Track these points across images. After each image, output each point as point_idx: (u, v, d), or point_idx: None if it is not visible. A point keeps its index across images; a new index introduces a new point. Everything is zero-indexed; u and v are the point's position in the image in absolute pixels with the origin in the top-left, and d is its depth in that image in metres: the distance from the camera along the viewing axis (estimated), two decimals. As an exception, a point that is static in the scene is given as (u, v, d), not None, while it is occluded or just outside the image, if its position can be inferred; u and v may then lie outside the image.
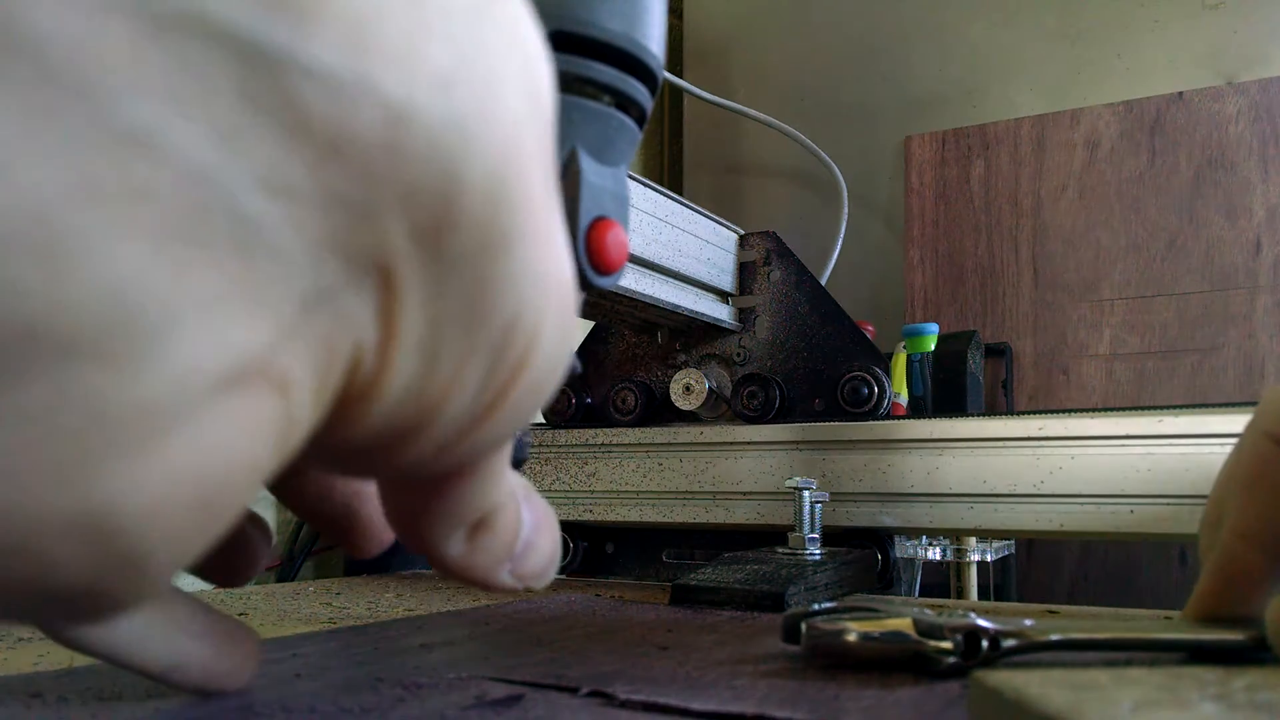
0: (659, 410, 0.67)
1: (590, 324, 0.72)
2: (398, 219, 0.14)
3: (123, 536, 0.12)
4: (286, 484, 0.25)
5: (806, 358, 0.64)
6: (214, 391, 0.13)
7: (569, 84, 0.23)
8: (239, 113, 0.12)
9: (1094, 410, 0.55)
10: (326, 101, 0.13)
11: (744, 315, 0.66)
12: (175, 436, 0.12)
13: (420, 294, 0.15)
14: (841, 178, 1.09)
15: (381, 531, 0.26)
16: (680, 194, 0.64)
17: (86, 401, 0.12)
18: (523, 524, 0.23)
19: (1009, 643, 0.30)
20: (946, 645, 0.30)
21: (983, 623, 0.30)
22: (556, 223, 0.17)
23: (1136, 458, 0.52)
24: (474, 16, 0.15)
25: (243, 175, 0.12)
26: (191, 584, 0.72)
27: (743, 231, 0.67)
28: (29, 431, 0.11)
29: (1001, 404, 1.08)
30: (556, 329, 0.17)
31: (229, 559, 0.25)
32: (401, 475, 0.19)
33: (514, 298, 0.16)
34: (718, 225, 0.64)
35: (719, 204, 1.21)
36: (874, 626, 0.31)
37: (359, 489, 0.25)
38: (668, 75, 0.89)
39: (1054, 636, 0.30)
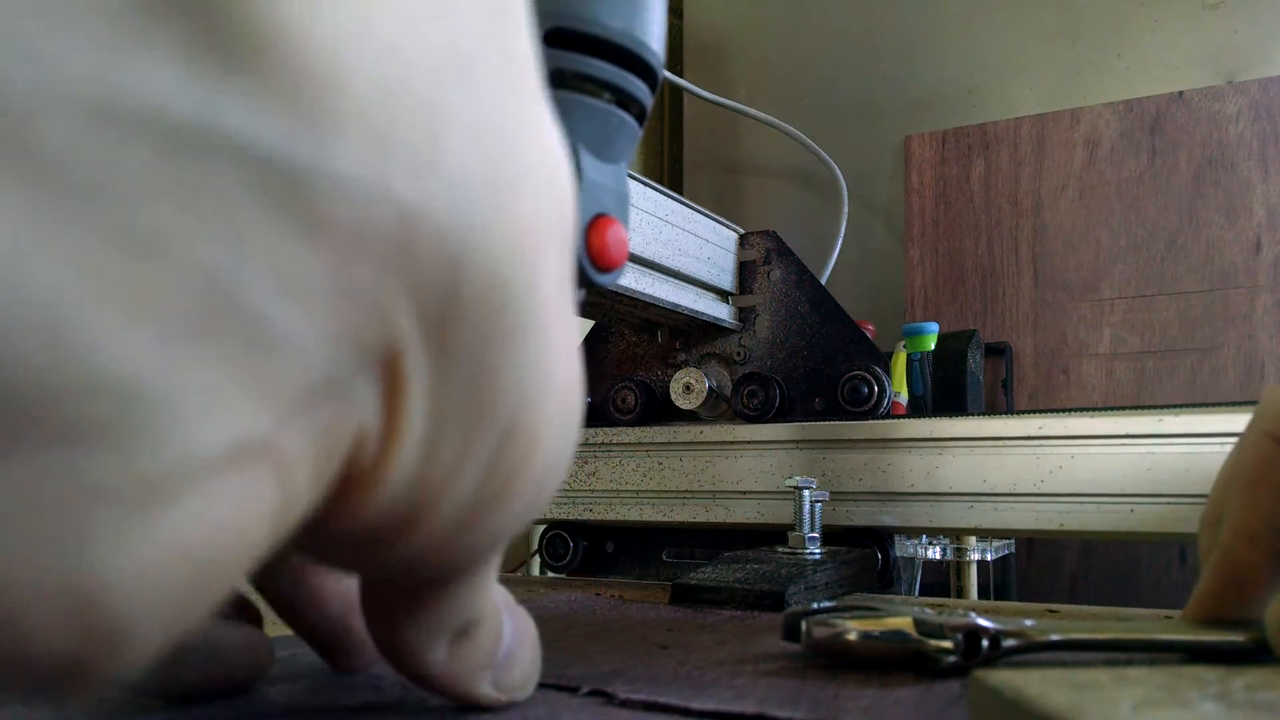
0: (659, 410, 0.67)
1: (590, 323, 0.72)
2: (407, 310, 0.14)
3: (107, 609, 0.12)
4: (278, 590, 0.25)
5: (806, 357, 0.64)
6: (212, 472, 0.13)
7: (569, 81, 0.23)
8: (257, 218, 0.13)
9: (1094, 410, 0.55)
10: (346, 207, 0.13)
11: (744, 315, 0.66)
12: (169, 514, 0.12)
13: (425, 385, 0.15)
14: (841, 177, 1.09)
15: (370, 648, 0.25)
16: (680, 193, 0.65)
17: (81, 478, 0.12)
18: (504, 634, 0.23)
19: (1009, 643, 0.30)
20: (947, 644, 0.30)
21: (983, 622, 0.30)
22: (568, 327, 0.17)
23: (1136, 457, 0.52)
24: (499, 126, 0.15)
25: (259, 275, 0.13)
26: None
27: (743, 231, 0.67)
28: (20, 503, 0.12)
29: (1001, 403, 1.08)
30: (559, 432, 0.17)
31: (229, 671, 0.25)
32: (393, 573, 0.18)
33: (516, 394, 0.16)
34: (718, 224, 0.64)
35: (719, 203, 1.21)
36: (874, 625, 0.31)
37: (353, 604, 0.25)
38: (667, 74, 0.89)
39: (1054, 637, 0.30)
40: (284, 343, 0.13)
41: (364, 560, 0.18)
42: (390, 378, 0.15)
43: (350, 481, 0.15)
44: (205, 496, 0.13)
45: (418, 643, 0.21)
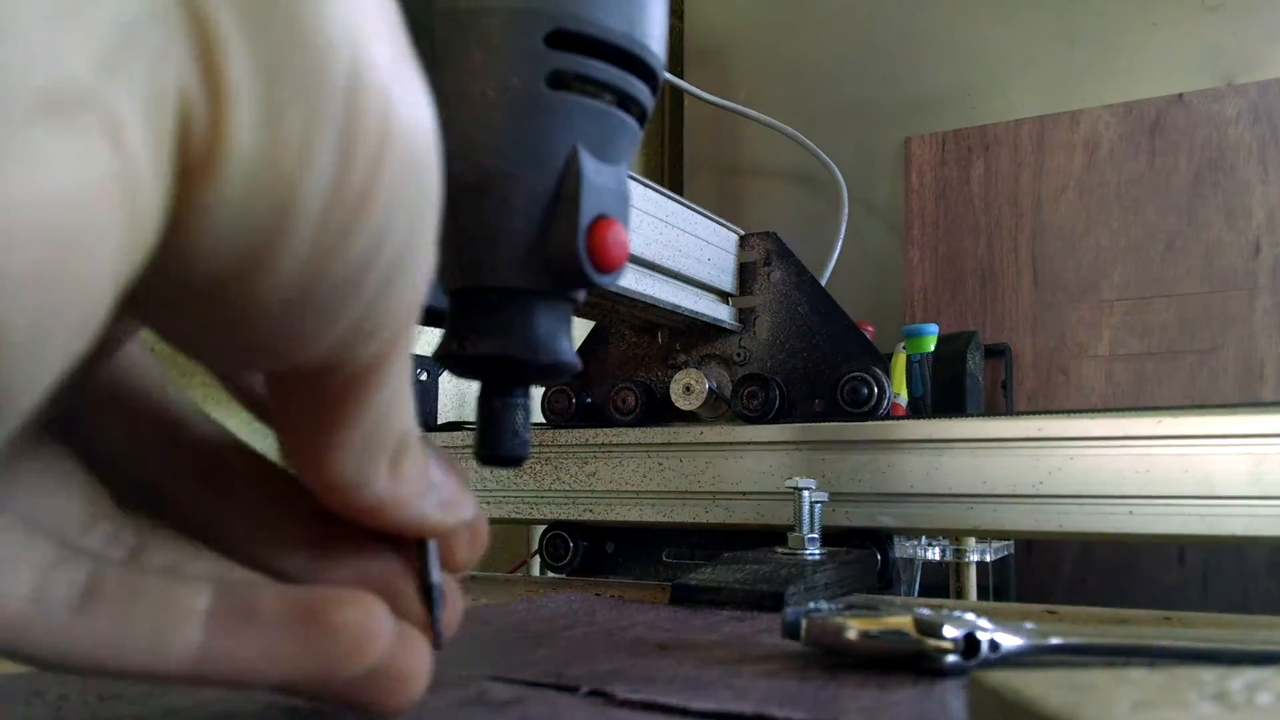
0: (659, 410, 0.67)
1: (591, 324, 0.72)
2: None
3: None
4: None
5: (806, 358, 0.64)
6: (38, 117, 0.12)
7: (569, 82, 0.23)
8: None
9: (1093, 411, 0.55)
10: None
11: (744, 315, 0.66)
12: (4, 165, 0.12)
13: (239, 37, 0.14)
14: (841, 178, 1.09)
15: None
16: (680, 195, 0.65)
17: None
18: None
19: (1009, 644, 0.30)
20: (947, 644, 0.30)
21: (983, 623, 0.30)
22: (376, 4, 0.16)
23: (1135, 459, 0.52)
24: None
25: None
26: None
27: (743, 232, 0.67)
28: None
29: (1001, 404, 1.08)
30: (413, 103, 0.16)
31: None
32: (292, 325, 0.16)
33: (344, 44, 0.15)
34: (718, 225, 0.64)
35: (719, 204, 1.21)
36: (874, 624, 0.31)
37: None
38: (668, 76, 0.89)
39: (1055, 640, 0.30)
40: None
41: (249, 305, 0.16)
42: (197, 29, 0.14)
43: (193, 163, 0.14)
44: (38, 147, 0.12)
45: (357, 469, 0.20)
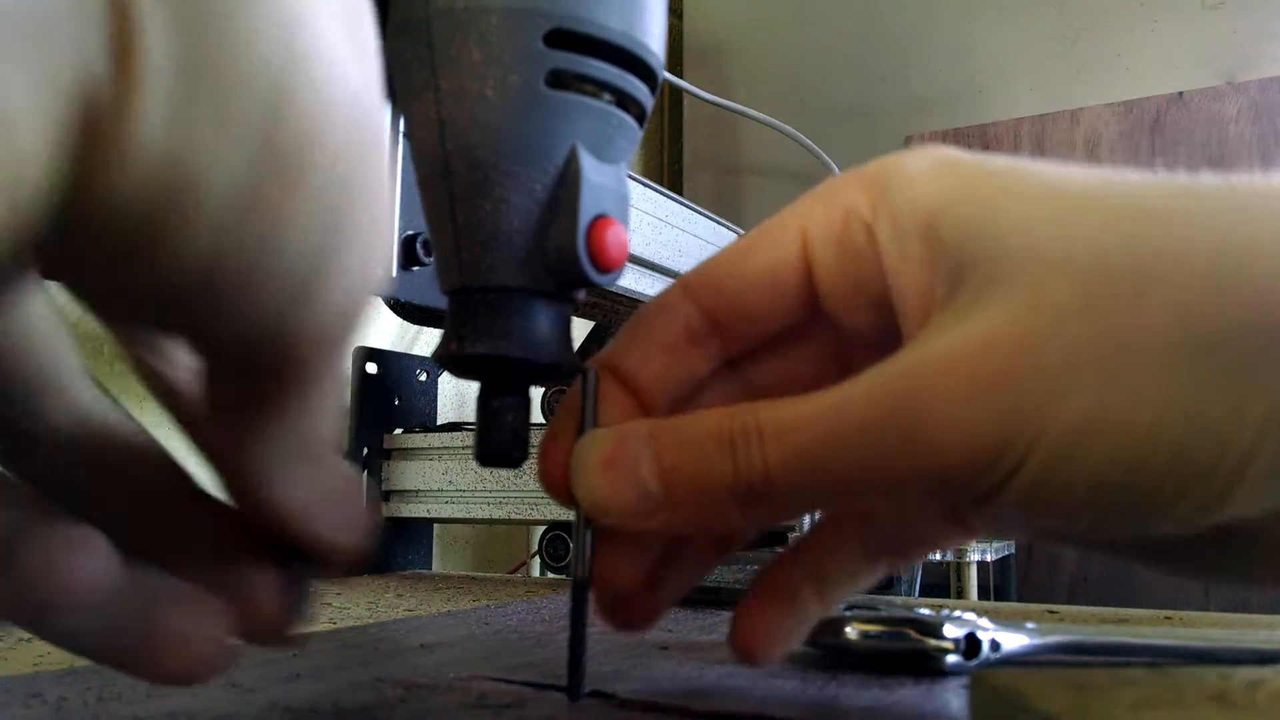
0: (659, 410, 0.67)
1: (590, 324, 0.72)
2: None
3: None
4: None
5: (806, 358, 0.64)
6: None
7: (568, 81, 0.23)
8: None
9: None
10: None
11: (744, 315, 0.66)
12: None
13: (163, 28, 0.14)
14: (841, 178, 1.09)
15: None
16: (680, 194, 0.65)
17: None
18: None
19: (1011, 645, 0.30)
20: (947, 644, 0.30)
21: (984, 623, 0.30)
22: (334, 21, 0.16)
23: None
24: None
25: None
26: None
27: (742, 231, 0.67)
28: None
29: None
30: (344, 126, 0.16)
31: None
32: (196, 300, 0.16)
33: (276, 55, 0.15)
34: (717, 225, 0.64)
35: (719, 204, 1.21)
36: (875, 625, 0.31)
37: None
38: (667, 75, 0.89)
39: (1055, 639, 0.30)
40: None
41: (154, 274, 0.16)
42: (117, 18, 0.14)
43: (94, 141, 0.14)
44: None
45: (272, 465, 0.20)
